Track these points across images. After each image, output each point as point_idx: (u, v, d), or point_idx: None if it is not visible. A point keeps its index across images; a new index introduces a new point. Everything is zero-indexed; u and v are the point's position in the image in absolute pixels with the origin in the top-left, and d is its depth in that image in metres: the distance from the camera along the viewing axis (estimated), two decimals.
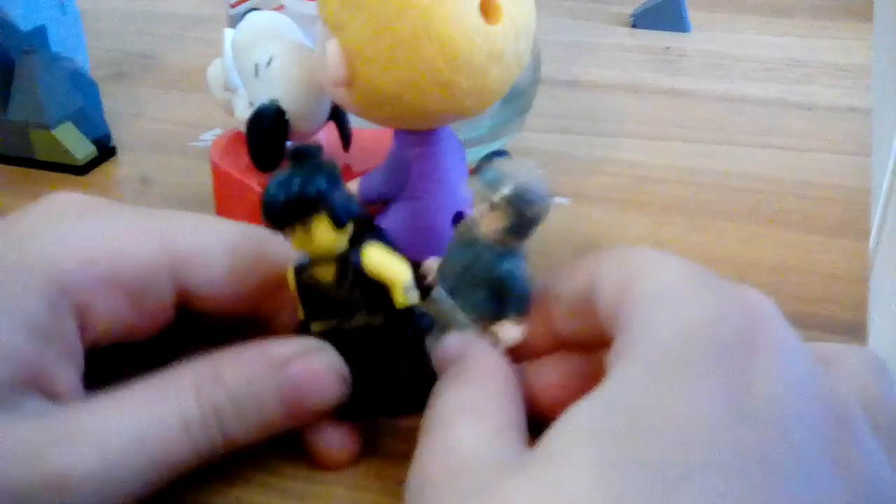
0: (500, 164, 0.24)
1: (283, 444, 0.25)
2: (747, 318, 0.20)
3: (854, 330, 0.32)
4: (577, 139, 0.47)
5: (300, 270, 0.24)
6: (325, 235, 0.22)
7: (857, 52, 0.59)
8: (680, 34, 0.62)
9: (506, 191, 0.24)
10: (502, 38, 0.29)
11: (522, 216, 0.24)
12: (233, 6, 0.41)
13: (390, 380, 0.24)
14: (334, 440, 0.24)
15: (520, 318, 0.25)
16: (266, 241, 0.25)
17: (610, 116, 0.50)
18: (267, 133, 0.33)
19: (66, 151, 0.42)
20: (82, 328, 0.22)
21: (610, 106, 0.51)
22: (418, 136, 0.32)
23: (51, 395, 0.21)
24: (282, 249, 0.25)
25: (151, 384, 0.22)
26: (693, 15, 0.63)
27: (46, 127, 0.42)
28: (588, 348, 0.24)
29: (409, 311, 0.24)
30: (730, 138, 0.47)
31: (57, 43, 0.47)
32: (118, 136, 0.46)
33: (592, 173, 0.43)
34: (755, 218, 0.39)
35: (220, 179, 0.37)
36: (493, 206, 0.24)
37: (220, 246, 0.24)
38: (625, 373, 0.19)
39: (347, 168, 0.37)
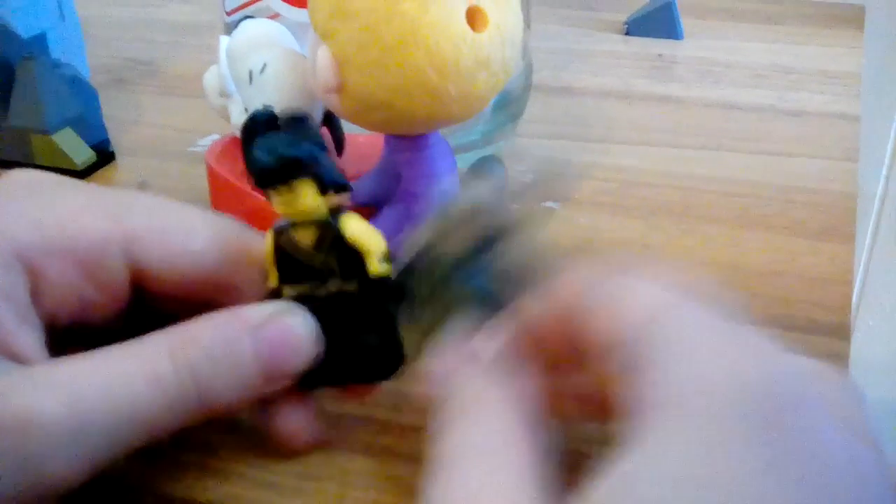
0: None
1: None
2: (780, 376, 0.18)
3: (837, 332, 0.32)
4: (568, 145, 0.47)
5: (279, 231, 0.24)
6: (309, 199, 0.23)
7: (848, 60, 0.60)
8: (672, 41, 0.63)
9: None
10: (489, 45, 0.30)
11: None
12: (228, 14, 0.42)
13: (357, 348, 0.25)
14: (297, 421, 0.25)
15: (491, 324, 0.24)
16: (223, 224, 0.26)
17: (601, 123, 0.50)
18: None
19: (66, 156, 0.43)
20: (37, 294, 0.23)
21: (602, 112, 0.52)
22: (408, 141, 0.33)
23: (13, 355, 0.22)
24: (241, 233, 0.26)
25: (124, 346, 0.22)
26: (686, 22, 0.64)
27: (46, 132, 0.42)
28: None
29: (382, 281, 0.24)
30: (719, 144, 0.47)
31: (57, 50, 0.48)
32: (117, 142, 0.46)
33: (584, 178, 0.44)
34: (742, 222, 0.40)
35: (217, 184, 0.37)
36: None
37: (176, 225, 0.25)
38: (664, 437, 0.17)
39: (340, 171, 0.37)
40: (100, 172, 0.44)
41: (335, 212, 0.24)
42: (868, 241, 0.81)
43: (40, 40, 0.45)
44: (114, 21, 0.67)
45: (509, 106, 0.44)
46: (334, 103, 0.31)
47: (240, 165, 0.36)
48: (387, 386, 0.29)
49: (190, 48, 0.62)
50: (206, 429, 0.27)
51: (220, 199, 0.37)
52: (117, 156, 0.46)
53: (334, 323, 0.24)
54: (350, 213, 0.24)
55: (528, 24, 0.43)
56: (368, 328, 0.24)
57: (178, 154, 0.46)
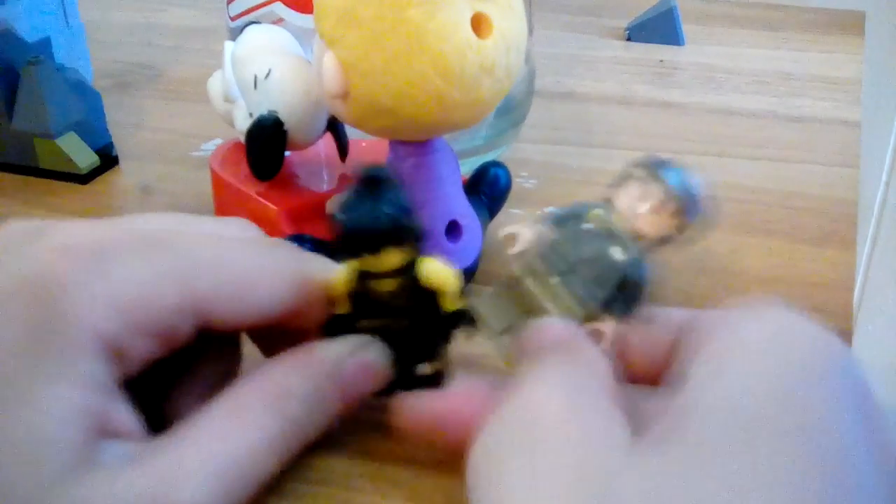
0: (675, 167, 0.25)
1: None
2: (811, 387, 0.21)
3: (840, 337, 0.32)
4: (570, 150, 0.48)
5: (360, 277, 0.25)
6: (395, 260, 0.24)
7: (848, 66, 0.60)
8: (674, 47, 0.63)
9: (690, 194, 0.24)
10: (493, 51, 0.30)
11: (687, 225, 0.25)
12: (232, 19, 0.42)
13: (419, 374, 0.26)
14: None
15: (625, 317, 0.25)
16: (285, 262, 0.26)
17: (603, 128, 0.50)
18: (265, 143, 0.34)
19: (70, 160, 0.43)
20: (120, 370, 0.23)
21: (604, 118, 0.52)
22: (413, 147, 0.33)
23: (117, 435, 0.22)
24: (302, 266, 0.26)
25: (225, 409, 0.23)
26: (687, 28, 0.64)
27: (50, 136, 0.43)
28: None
29: (456, 314, 0.26)
30: (721, 150, 0.48)
31: (61, 54, 0.48)
32: (120, 146, 0.46)
33: (584, 184, 0.44)
34: (744, 228, 0.40)
35: (220, 188, 0.37)
36: (666, 209, 0.25)
37: (240, 278, 0.25)
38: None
39: (345, 177, 0.38)
40: (103, 177, 0.45)
41: (411, 253, 0.25)
42: (868, 246, 0.82)
43: (44, 44, 0.45)
44: (116, 25, 0.68)
45: (512, 111, 0.44)
46: (339, 109, 0.32)
47: (243, 170, 0.36)
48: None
49: (192, 53, 0.62)
50: None
51: (224, 203, 0.38)
52: (121, 160, 0.46)
53: (406, 347, 0.26)
54: (425, 258, 0.25)
55: (530, 29, 0.44)
56: (430, 353, 0.26)
57: (181, 158, 0.47)
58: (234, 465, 0.22)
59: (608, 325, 0.25)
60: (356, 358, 0.25)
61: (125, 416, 0.23)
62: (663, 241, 0.25)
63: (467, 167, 0.40)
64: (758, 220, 0.40)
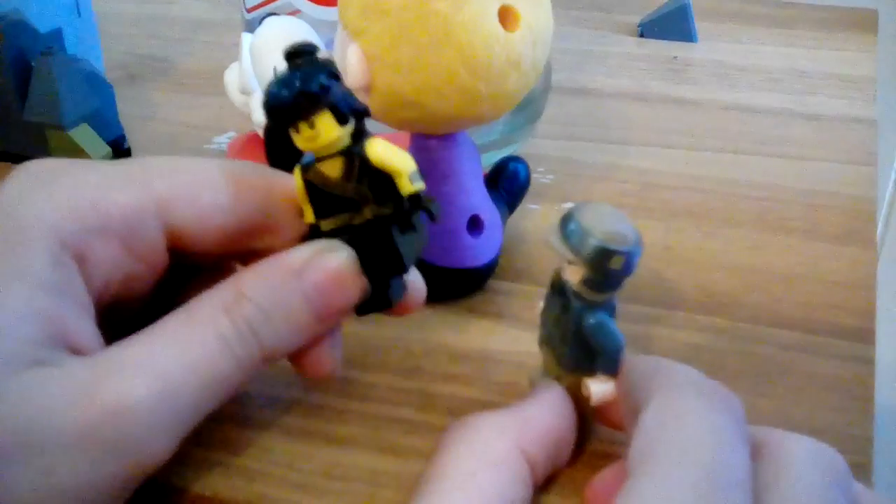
0: (581, 214, 0.23)
1: (303, 438, 0.26)
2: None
3: (861, 336, 0.32)
4: (586, 146, 0.47)
5: (306, 168, 0.24)
6: (330, 130, 0.23)
7: (862, 64, 0.60)
8: (687, 44, 0.63)
9: (586, 246, 0.23)
10: (520, 44, 0.29)
11: (605, 271, 0.23)
12: (249, 11, 0.42)
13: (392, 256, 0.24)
14: (321, 351, 0.25)
15: (609, 376, 0.24)
16: (245, 169, 0.25)
17: (618, 124, 0.50)
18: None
19: (83, 152, 0.43)
20: (85, 280, 0.23)
21: (618, 114, 0.51)
22: (435, 141, 0.32)
23: (76, 349, 0.22)
24: (264, 174, 0.25)
25: (179, 315, 0.23)
26: (700, 25, 0.64)
27: (63, 128, 0.42)
28: None
29: (417, 197, 0.24)
30: (737, 147, 0.47)
31: (72, 45, 0.48)
32: (131, 139, 0.46)
33: (602, 180, 0.43)
34: (762, 225, 0.39)
35: None
36: (571, 262, 0.23)
37: (201, 180, 0.24)
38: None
39: None
40: None
41: (358, 138, 0.23)
42: (877, 244, 0.81)
43: (57, 35, 0.45)
44: (126, 17, 0.67)
45: (529, 107, 0.44)
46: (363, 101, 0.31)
47: (260, 161, 0.35)
48: (415, 386, 0.29)
49: (203, 45, 0.62)
50: (234, 427, 0.27)
51: None
52: (133, 152, 0.46)
53: (377, 246, 0.24)
54: (373, 138, 0.23)
55: None
56: (398, 263, 0.24)
57: (193, 151, 0.46)
58: (181, 366, 0.21)
59: (592, 383, 0.24)
60: (319, 262, 0.23)
61: (86, 331, 0.22)
62: (592, 292, 0.24)
63: (484, 162, 0.39)
64: (776, 217, 0.40)
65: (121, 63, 0.58)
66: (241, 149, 0.37)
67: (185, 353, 0.22)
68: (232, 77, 0.37)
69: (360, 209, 0.24)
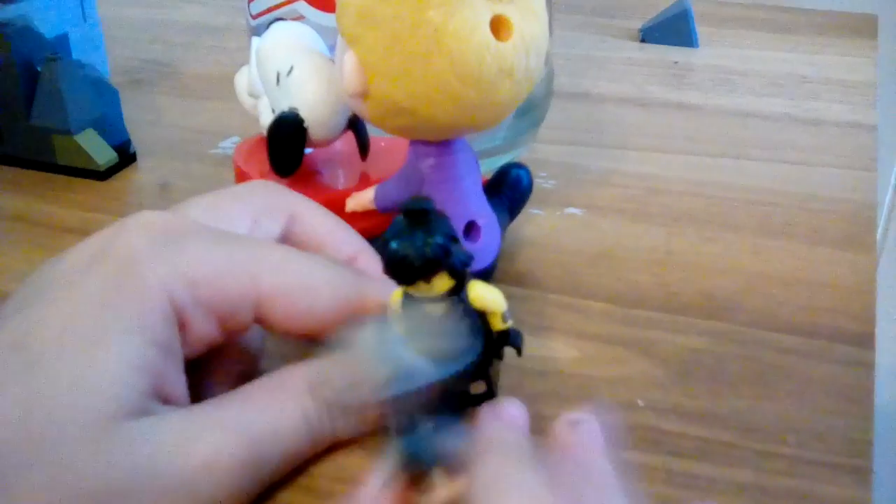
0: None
1: None
2: None
3: (862, 341, 0.33)
4: (588, 151, 0.47)
5: (411, 305, 0.25)
6: (445, 286, 0.25)
7: (862, 69, 0.60)
8: (687, 49, 0.63)
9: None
10: (513, 54, 0.30)
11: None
12: (254, 17, 0.42)
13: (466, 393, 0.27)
14: None
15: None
16: (345, 278, 0.27)
17: (619, 129, 0.50)
18: (285, 140, 0.34)
19: (88, 157, 0.43)
20: (183, 344, 0.24)
21: (619, 119, 0.52)
22: (433, 147, 0.33)
23: (169, 402, 0.24)
24: (361, 285, 0.27)
25: (267, 383, 0.25)
26: (700, 30, 0.64)
27: (69, 133, 0.43)
28: None
29: (507, 333, 0.26)
30: (738, 152, 0.48)
31: (78, 50, 0.48)
32: (137, 143, 0.46)
33: (603, 184, 0.44)
34: (763, 230, 0.40)
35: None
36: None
37: (302, 282, 0.26)
38: None
39: (365, 175, 0.38)
40: (121, 174, 0.45)
41: (461, 282, 0.25)
42: (876, 249, 0.82)
43: (62, 41, 0.45)
44: (130, 22, 0.68)
45: (531, 112, 0.44)
46: (360, 108, 0.32)
47: (267, 166, 0.36)
48: None
49: (207, 50, 0.62)
50: None
51: None
52: (138, 157, 0.46)
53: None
54: (474, 281, 0.26)
55: (550, 31, 0.43)
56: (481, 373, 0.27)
57: (199, 156, 0.46)
58: (269, 434, 0.23)
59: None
60: None
61: (180, 386, 0.24)
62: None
63: (486, 167, 0.40)
64: (778, 222, 0.40)
65: (125, 68, 0.58)
66: (249, 153, 0.37)
67: (273, 423, 0.24)
68: (241, 80, 0.37)
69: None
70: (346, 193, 0.35)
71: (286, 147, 0.34)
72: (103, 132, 0.44)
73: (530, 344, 0.32)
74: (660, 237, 0.39)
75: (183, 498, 0.22)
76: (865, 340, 0.33)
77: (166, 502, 0.22)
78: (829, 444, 0.28)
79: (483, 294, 0.26)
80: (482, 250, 0.34)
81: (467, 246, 0.33)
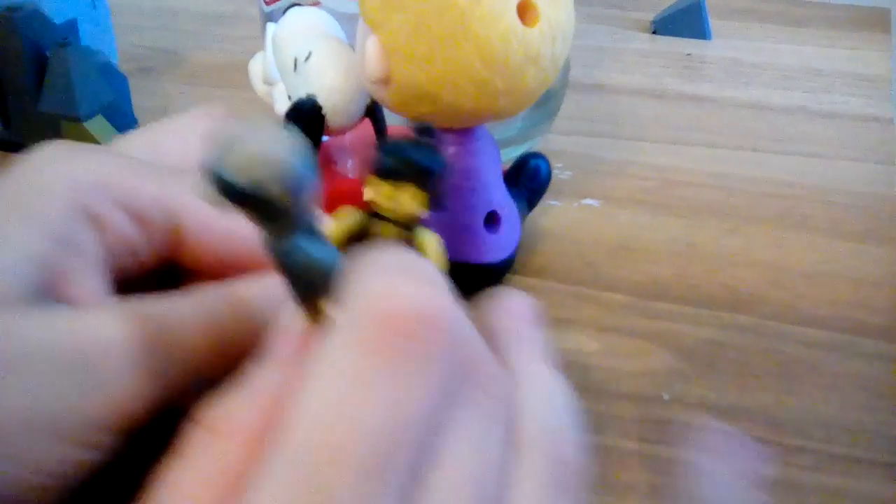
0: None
1: None
2: None
3: (886, 334, 0.32)
4: (604, 142, 0.47)
5: (366, 213, 0.23)
6: (410, 206, 0.22)
7: (876, 63, 0.60)
8: (700, 41, 0.62)
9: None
10: (539, 40, 0.29)
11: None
12: (267, 3, 0.42)
13: None
14: None
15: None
16: None
17: (634, 120, 0.50)
18: (304, 126, 0.34)
19: (98, 144, 0.42)
20: (102, 244, 0.23)
21: (634, 110, 0.51)
22: (454, 135, 0.32)
23: (75, 303, 0.22)
24: None
25: (177, 292, 0.22)
26: (713, 23, 0.63)
27: (78, 119, 0.42)
28: None
29: None
30: (754, 144, 0.47)
31: (87, 37, 0.47)
32: None
33: (620, 176, 0.43)
34: (784, 223, 0.39)
35: None
36: None
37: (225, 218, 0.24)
38: None
39: None
40: None
41: (419, 224, 0.23)
42: None
43: (71, 26, 0.44)
44: (138, 9, 0.67)
45: (547, 102, 0.44)
46: (381, 94, 0.31)
47: None
48: None
49: (215, 38, 0.62)
50: None
51: None
52: None
53: None
54: (433, 233, 0.24)
55: None
56: None
57: None
58: (163, 318, 0.21)
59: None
60: None
61: (92, 289, 0.22)
62: None
63: (502, 157, 0.39)
64: (797, 215, 0.40)
65: (133, 55, 0.57)
66: None
67: (173, 311, 0.21)
68: (256, 67, 0.36)
69: None
70: (363, 182, 0.34)
71: (304, 133, 0.34)
72: (112, 119, 0.43)
73: (551, 336, 0.31)
74: (680, 229, 0.38)
75: (70, 381, 0.20)
76: (891, 334, 0.32)
77: (54, 385, 0.20)
78: (857, 440, 0.27)
79: (435, 251, 0.23)
80: (503, 241, 0.33)
81: (488, 236, 0.33)
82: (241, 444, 0.17)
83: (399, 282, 0.17)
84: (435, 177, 0.23)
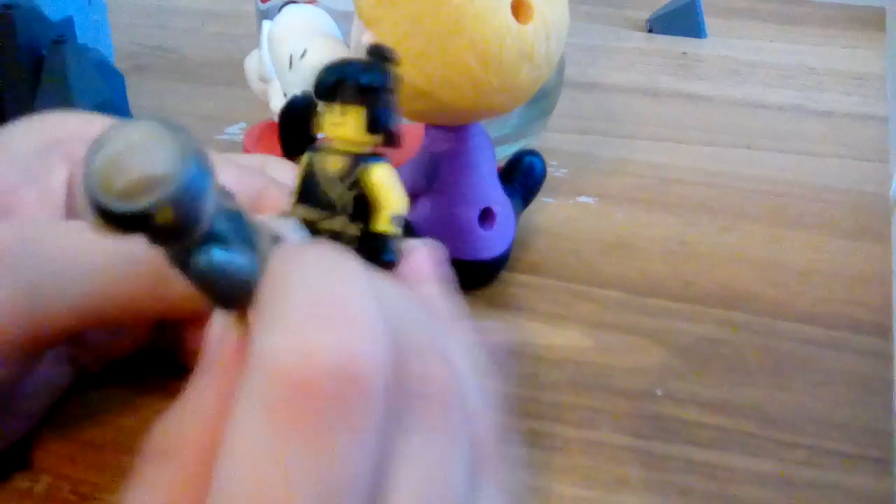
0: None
1: None
2: None
3: (880, 331, 0.32)
4: (599, 140, 0.47)
5: (315, 149, 0.23)
6: (354, 131, 0.21)
7: (871, 61, 0.60)
8: (695, 40, 0.63)
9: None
10: (533, 37, 0.29)
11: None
12: (263, 1, 0.42)
13: None
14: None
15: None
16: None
17: (629, 119, 0.50)
18: (298, 122, 0.34)
19: None
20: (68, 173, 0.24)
21: (629, 108, 0.51)
22: (449, 132, 0.32)
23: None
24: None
25: None
26: (708, 21, 0.64)
27: None
28: None
29: (384, 239, 0.22)
30: (749, 142, 0.47)
31: (83, 34, 0.47)
32: None
33: (615, 174, 0.43)
34: (778, 220, 0.39)
35: None
36: None
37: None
38: None
39: None
40: None
41: (373, 156, 0.22)
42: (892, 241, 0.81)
43: (68, 24, 0.44)
44: (134, 7, 0.67)
45: (542, 100, 0.44)
46: None
47: (277, 150, 0.35)
48: None
49: (210, 36, 0.62)
50: None
51: None
52: None
53: None
54: (385, 164, 0.22)
55: None
56: None
57: (206, 142, 0.45)
58: (53, 231, 0.21)
59: None
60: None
61: (36, 212, 0.23)
62: None
63: (497, 155, 0.39)
64: (791, 212, 0.40)
65: (129, 53, 0.57)
66: (259, 138, 0.37)
67: (67, 230, 0.21)
68: (252, 65, 0.36)
69: (333, 216, 0.22)
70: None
71: (297, 131, 0.34)
72: (108, 116, 0.43)
73: (545, 332, 0.31)
74: (674, 226, 0.39)
75: None
76: (884, 331, 0.32)
77: None
78: (849, 435, 0.27)
79: (384, 181, 0.21)
80: (497, 237, 0.34)
81: (482, 233, 0.33)
82: (187, 465, 0.16)
83: (312, 332, 0.14)
84: (377, 95, 0.21)
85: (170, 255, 0.16)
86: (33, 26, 0.42)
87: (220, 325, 0.17)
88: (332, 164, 0.22)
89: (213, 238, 0.16)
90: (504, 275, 0.35)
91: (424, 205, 0.33)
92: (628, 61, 0.59)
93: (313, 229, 0.22)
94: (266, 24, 0.35)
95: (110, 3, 0.54)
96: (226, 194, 0.17)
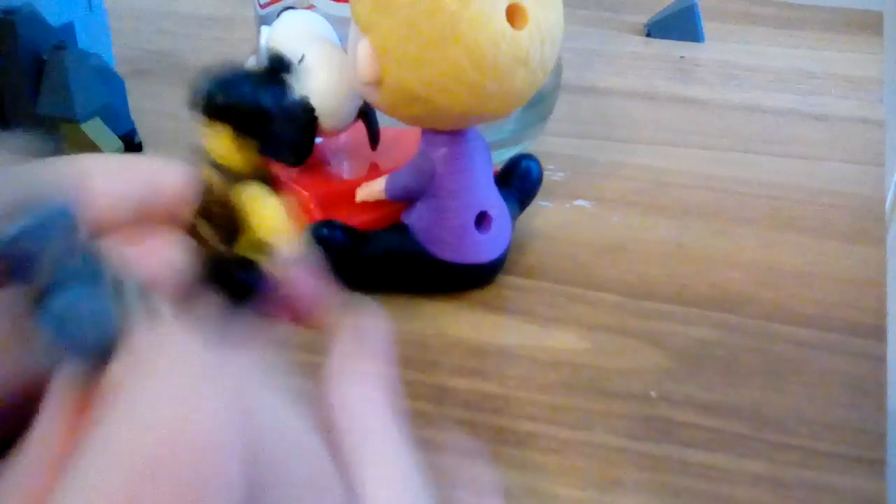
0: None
1: None
2: None
3: (874, 334, 0.33)
4: (596, 144, 0.47)
5: (210, 163, 0.19)
6: (222, 149, 0.19)
7: (868, 65, 0.60)
8: (693, 44, 0.63)
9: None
10: (528, 43, 0.30)
11: None
12: (262, 7, 0.42)
13: None
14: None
15: None
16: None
17: (627, 123, 0.50)
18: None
19: (95, 146, 0.43)
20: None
21: (626, 112, 0.52)
22: (445, 136, 0.33)
23: None
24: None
25: None
26: (706, 25, 0.64)
27: (75, 121, 0.42)
28: None
29: (245, 262, 0.19)
30: (745, 146, 0.47)
31: (83, 39, 0.48)
32: (142, 133, 0.46)
33: (612, 177, 0.44)
34: (774, 224, 0.40)
35: None
36: None
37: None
38: None
39: (375, 165, 0.37)
40: None
41: (260, 174, 0.19)
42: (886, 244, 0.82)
43: (69, 29, 0.45)
44: (134, 12, 0.67)
45: (539, 105, 0.44)
46: (373, 96, 0.31)
47: None
48: (431, 380, 0.29)
49: (211, 41, 0.62)
50: None
51: None
52: (144, 147, 0.46)
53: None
54: (263, 189, 0.19)
55: None
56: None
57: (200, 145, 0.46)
58: None
59: None
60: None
61: None
62: None
63: (494, 159, 0.39)
64: (787, 216, 0.40)
65: (129, 58, 0.58)
66: None
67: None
68: None
69: (217, 234, 0.19)
70: (356, 183, 0.35)
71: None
72: (109, 121, 0.44)
73: (541, 335, 0.32)
74: (670, 230, 0.39)
75: None
76: (878, 334, 0.33)
77: None
78: (842, 436, 0.28)
79: (252, 196, 0.18)
80: (493, 241, 0.34)
81: (478, 236, 0.33)
82: None
83: (158, 446, 0.13)
84: (239, 115, 0.18)
85: (21, 306, 0.15)
86: (34, 31, 0.42)
87: (64, 377, 0.16)
88: (214, 183, 0.19)
89: (66, 281, 0.15)
90: (500, 278, 0.35)
91: (422, 208, 0.33)
92: (626, 65, 0.59)
93: (204, 245, 0.19)
94: (265, 29, 0.35)
95: (111, 9, 0.54)
96: (91, 243, 0.16)
